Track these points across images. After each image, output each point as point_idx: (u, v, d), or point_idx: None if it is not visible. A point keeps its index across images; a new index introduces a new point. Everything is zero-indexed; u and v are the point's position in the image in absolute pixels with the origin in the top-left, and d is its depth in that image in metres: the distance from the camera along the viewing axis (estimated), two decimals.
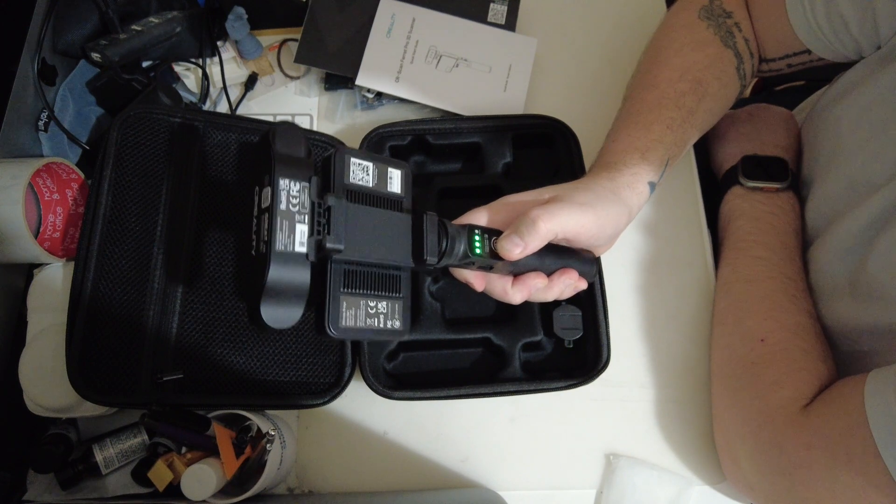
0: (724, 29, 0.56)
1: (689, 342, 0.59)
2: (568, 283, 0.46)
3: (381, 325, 0.39)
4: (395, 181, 0.41)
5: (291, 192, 0.35)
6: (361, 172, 0.39)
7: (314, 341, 0.53)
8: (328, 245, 0.35)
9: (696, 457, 0.56)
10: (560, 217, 0.42)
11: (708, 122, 0.56)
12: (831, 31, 0.51)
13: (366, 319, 0.38)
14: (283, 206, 0.34)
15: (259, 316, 0.34)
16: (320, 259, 0.36)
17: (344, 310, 0.37)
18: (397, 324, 0.40)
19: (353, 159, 0.39)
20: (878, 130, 0.48)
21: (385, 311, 0.39)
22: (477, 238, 0.42)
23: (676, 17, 0.59)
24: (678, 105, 0.52)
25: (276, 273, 0.33)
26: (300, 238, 0.34)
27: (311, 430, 0.56)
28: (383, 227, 0.39)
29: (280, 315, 0.34)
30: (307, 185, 0.35)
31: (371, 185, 0.39)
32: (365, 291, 0.38)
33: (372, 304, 0.38)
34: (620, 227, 0.48)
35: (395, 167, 0.41)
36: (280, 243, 0.34)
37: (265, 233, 0.34)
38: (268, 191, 0.35)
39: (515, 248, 0.41)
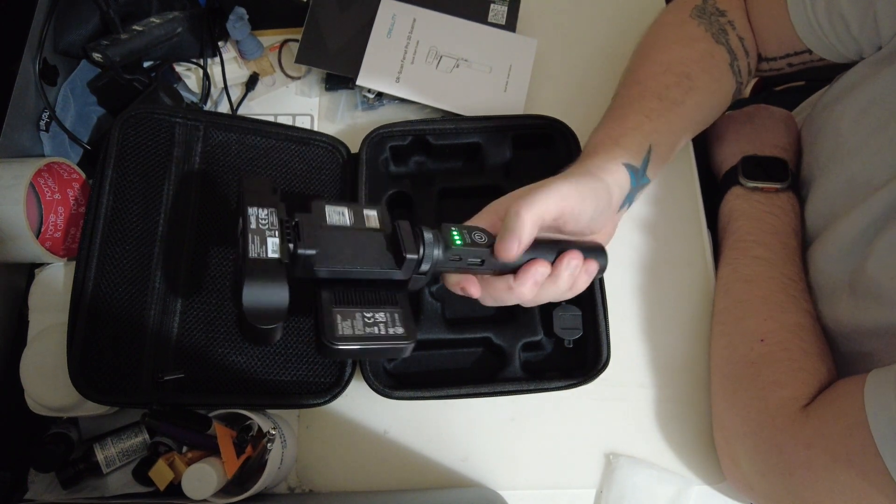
0: (717, 27, 0.56)
1: (688, 342, 0.59)
2: (575, 266, 0.43)
3: (384, 332, 0.38)
4: (373, 220, 0.42)
5: (260, 216, 0.37)
6: (338, 216, 0.40)
7: (315, 341, 0.53)
8: (300, 251, 0.36)
9: (696, 457, 0.56)
10: (540, 201, 0.41)
11: (701, 115, 0.55)
12: (832, 31, 0.51)
13: (364, 328, 0.37)
14: (253, 226, 0.36)
15: (246, 325, 0.34)
16: (295, 264, 0.37)
17: (339, 321, 0.37)
18: (400, 330, 0.39)
19: (328, 206, 0.40)
20: (877, 130, 0.48)
21: (384, 321, 0.39)
22: (455, 232, 0.41)
23: (668, 15, 0.59)
24: (660, 97, 0.52)
25: (252, 277, 0.35)
26: (272, 248, 0.36)
27: (311, 430, 0.56)
28: (359, 243, 0.40)
29: (263, 315, 0.35)
30: (274, 209, 0.38)
31: (349, 224, 0.40)
32: (358, 307, 0.38)
33: (368, 315, 0.38)
34: (602, 204, 0.45)
35: (370, 209, 0.42)
36: (253, 252, 0.36)
37: (241, 250, 0.36)
38: (241, 221, 0.37)
39: (511, 246, 0.40)
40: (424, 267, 0.40)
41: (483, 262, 0.42)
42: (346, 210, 0.41)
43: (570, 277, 0.43)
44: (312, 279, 0.38)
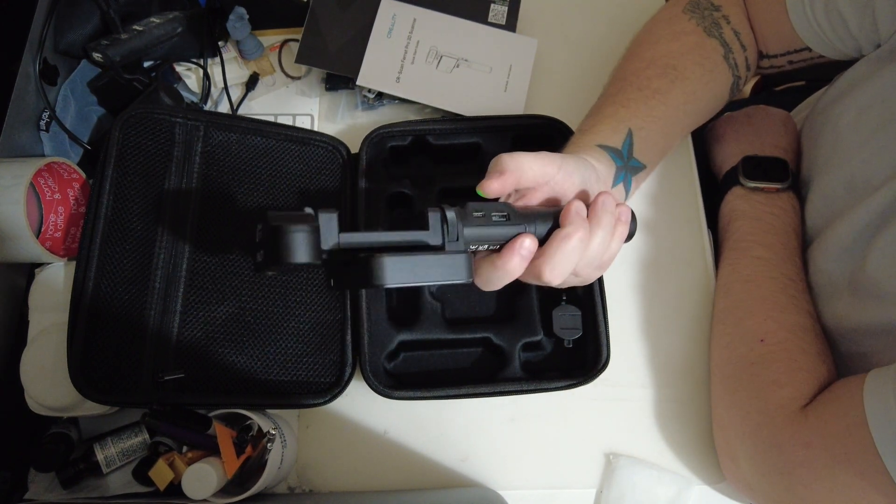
0: (710, 21, 0.56)
1: (689, 342, 0.59)
2: (609, 201, 0.41)
3: (435, 254, 0.35)
4: None
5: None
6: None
7: (315, 341, 0.54)
8: (321, 212, 0.34)
9: (696, 456, 0.56)
10: (520, 156, 0.40)
11: (694, 105, 0.55)
12: (830, 29, 0.51)
13: (409, 258, 0.34)
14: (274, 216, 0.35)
15: (272, 237, 0.31)
16: (324, 235, 0.34)
17: (382, 256, 0.34)
18: (453, 250, 0.36)
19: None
20: (877, 130, 0.48)
21: (429, 258, 0.35)
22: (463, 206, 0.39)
23: (661, 12, 0.59)
24: (640, 87, 0.52)
25: (277, 218, 0.33)
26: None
27: (311, 430, 0.56)
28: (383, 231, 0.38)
29: (288, 218, 0.32)
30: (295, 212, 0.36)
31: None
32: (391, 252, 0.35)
33: (408, 255, 0.35)
34: (587, 174, 0.44)
35: None
36: (277, 220, 0.34)
37: (260, 235, 0.34)
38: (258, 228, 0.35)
39: (491, 182, 0.40)
40: (450, 218, 0.37)
41: (509, 216, 0.40)
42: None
43: (611, 217, 0.41)
44: (340, 252, 0.35)
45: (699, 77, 0.54)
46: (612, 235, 0.41)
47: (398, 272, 0.33)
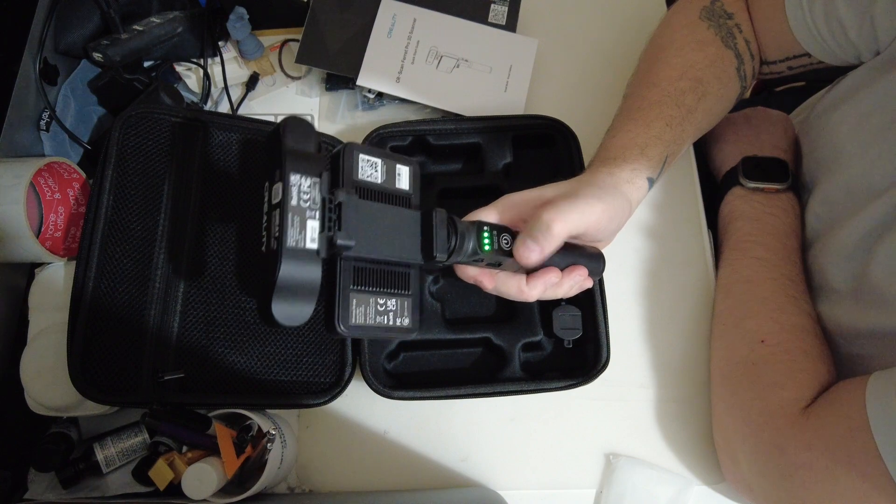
0: (725, 30, 0.56)
1: (688, 342, 0.59)
2: (577, 280, 0.46)
3: (391, 323, 0.39)
4: (404, 178, 0.41)
5: (302, 188, 0.34)
6: (370, 169, 0.39)
7: (315, 341, 0.53)
8: (339, 241, 0.35)
9: (696, 457, 0.56)
10: (571, 216, 0.42)
11: (707, 122, 0.56)
12: (830, 36, 0.51)
13: (375, 317, 0.38)
14: (293, 202, 0.33)
15: (270, 314, 0.33)
16: (331, 256, 0.35)
17: (354, 307, 0.37)
18: (406, 321, 0.40)
19: (361, 155, 0.38)
20: (876, 137, 0.48)
21: (394, 309, 0.39)
22: (486, 235, 0.42)
23: (677, 16, 0.59)
24: (678, 103, 0.52)
25: (287, 270, 0.33)
26: (311, 234, 0.34)
27: (311, 430, 0.56)
28: (392, 223, 0.39)
29: (291, 312, 0.34)
30: (318, 180, 0.35)
31: (379, 181, 0.39)
32: (374, 289, 0.38)
33: (381, 301, 0.38)
34: (623, 221, 0.48)
35: (404, 164, 0.41)
36: (291, 239, 0.33)
37: (276, 229, 0.33)
38: (279, 186, 0.34)
39: (532, 254, 0.41)
40: (447, 263, 0.41)
41: (500, 264, 0.43)
42: (378, 162, 0.39)
43: (573, 287, 0.46)
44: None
45: (716, 91, 0.54)
46: (567, 293, 0.47)
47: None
